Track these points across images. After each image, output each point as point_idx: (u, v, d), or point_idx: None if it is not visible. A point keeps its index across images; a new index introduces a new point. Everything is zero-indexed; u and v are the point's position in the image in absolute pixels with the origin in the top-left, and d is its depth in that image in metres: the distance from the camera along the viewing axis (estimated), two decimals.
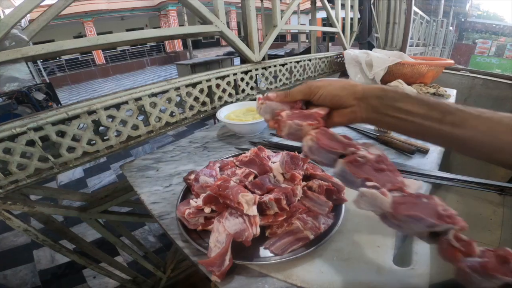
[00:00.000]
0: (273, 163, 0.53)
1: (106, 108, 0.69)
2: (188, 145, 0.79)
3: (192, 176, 0.51)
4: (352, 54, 1.37)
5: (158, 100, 0.78)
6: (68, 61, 10.22)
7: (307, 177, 0.51)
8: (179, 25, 13.70)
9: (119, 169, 2.67)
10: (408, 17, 2.03)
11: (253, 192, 0.41)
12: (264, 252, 0.40)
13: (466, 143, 0.31)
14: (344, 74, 1.74)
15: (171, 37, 0.85)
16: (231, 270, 0.36)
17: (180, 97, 0.84)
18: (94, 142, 0.68)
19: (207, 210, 0.41)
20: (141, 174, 0.65)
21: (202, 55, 11.22)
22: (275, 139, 0.80)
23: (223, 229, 0.37)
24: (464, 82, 2.21)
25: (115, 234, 0.93)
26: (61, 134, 0.65)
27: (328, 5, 1.41)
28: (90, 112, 0.67)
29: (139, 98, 0.74)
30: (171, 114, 0.83)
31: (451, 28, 5.11)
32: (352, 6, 1.61)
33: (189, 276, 1.26)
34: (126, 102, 0.72)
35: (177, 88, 0.81)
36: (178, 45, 13.17)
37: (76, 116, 0.65)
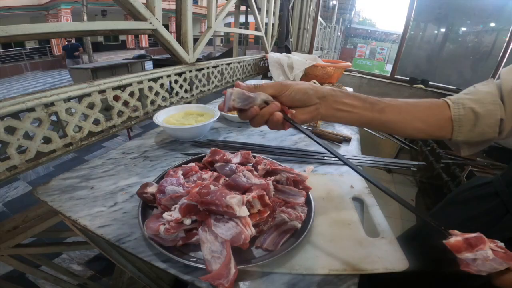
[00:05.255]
0: (236, 164, 0.53)
1: (3, 118, 0.52)
2: (121, 157, 0.68)
3: (149, 189, 0.45)
4: (275, 57, 1.48)
5: (77, 106, 0.65)
6: None
7: (268, 173, 0.53)
8: None
9: (4, 196, 2.07)
10: (315, 23, 2.35)
11: None
12: (257, 251, 0.40)
13: (387, 124, 0.44)
14: (266, 76, 1.86)
15: (94, 33, 0.70)
16: None
17: (106, 101, 0.72)
18: None
19: (187, 221, 0.37)
20: (68, 196, 0.52)
21: (103, 59, 9.76)
22: (221, 138, 0.80)
23: (214, 238, 0.35)
24: (355, 81, 2.73)
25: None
26: None
27: (256, 11, 1.48)
28: None
29: (51, 104, 0.59)
30: (95, 122, 0.70)
31: (339, 34, 6.16)
32: (274, 13, 1.74)
33: None
34: (33, 109, 0.57)
35: (102, 91, 0.69)
36: None
37: None
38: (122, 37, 14.39)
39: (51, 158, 0.60)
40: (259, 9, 1.51)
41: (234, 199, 0.35)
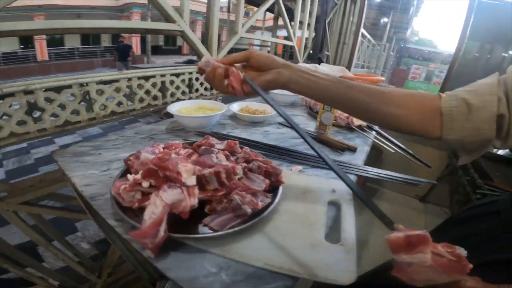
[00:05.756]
0: (218, 149, 0.56)
1: (46, 90, 0.65)
2: (133, 136, 0.77)
3: (133, 157, 0.51)
4: (303, 67, 1.50)
5: (106, 88, 0.76)
6: (5, 54, 9.02)
7: (249, 162, 0.55)
8: None
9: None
10: (356, 38, 2.30)
11: None
12: (203, 229, 0.40)
13: (355, 102, 0.43)
14: None
15: (132, 30, 0.84)
16: (167, 247, 0.36)
17: (131, 88, 0.83)
18: (25, 122, 0.63)
19: (145, 184, 0.40)
20: (75, 159, 0.61)
21: (160, 61, 10.84)
22: (224, 132, 0.84)
23: (160, 201, 0.37)
24: None
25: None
26: None
27: (288, 21, 1.54)
28: (27, 92, 0.63)
29: (85, 84, 0.72)
30: (119, 104, 0.81)
31: (392, 53, 5.79)
32: (309, 25, 1.78)
33: (129, 283, 1.15)
34: (70, 86, 0.70)
35: (129, 79, 0.80)
36: (136, 49, 12.67)
37: (11, 94, 0.61)
38: (179, 42, 15.57)
39: (75, 127, 0.72)
40: (291, 18, 1.55)
41: (185, 167, 0.38)
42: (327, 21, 1.85)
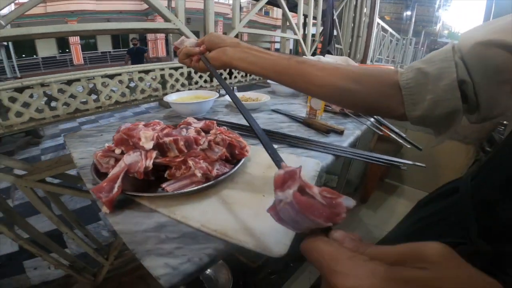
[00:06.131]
0: (195, 127, 0.62)
1: (59, 83, 0.77)
2: (134, 122, 0.86)
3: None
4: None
5: (110, 81, 0.87)
6: (44, 59, 10.30)
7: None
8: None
9: None
10: (370, 30, 2.23)
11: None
12: (160, 192, 0.44)
13: (306, 76, 0.43)
14: None
15: (132, 31, 0.94)
16: (124, 206, 0.40)
17: (133, 81, 0.92)
18: (42, 110, 0.75)
19: (117, 151, 0.47)
20: (80, 139, 0.71)
21: None
22: (215, 118, 0.90)
23: (124, 164, 0.45)
24: None
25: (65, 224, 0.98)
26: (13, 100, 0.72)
27: (290, 16, 1.56)
28: (43, 85, 0.75)
29: (92, 78, 0.82)
30: (122, 95, 0.91)
31: (422, 48, 5.41)
32: (315, 17, 1.78)
33: (136, 268, 1.24)
34: (79, 80, 0.81)
35: (130, 73, 0.90)
36: (161, 51, 13.34)
37: (30, 87, 0.73)
38: None
39: (84, 114, 0.83)
40: (294, 9, 1.57)
41: (144, 133, 0.44)
42: (336, 14, 1.83)
